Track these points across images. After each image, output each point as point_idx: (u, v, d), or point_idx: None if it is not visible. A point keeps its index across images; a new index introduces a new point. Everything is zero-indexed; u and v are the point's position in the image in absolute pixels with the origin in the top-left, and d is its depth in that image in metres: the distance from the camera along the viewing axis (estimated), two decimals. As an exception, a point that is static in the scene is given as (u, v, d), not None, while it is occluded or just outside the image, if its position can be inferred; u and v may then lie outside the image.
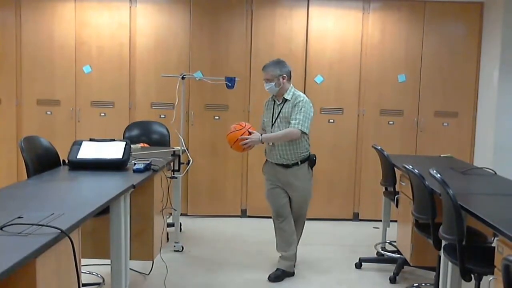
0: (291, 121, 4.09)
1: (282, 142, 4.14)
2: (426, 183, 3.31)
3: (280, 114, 4.17)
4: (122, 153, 3.64)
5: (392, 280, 4.18)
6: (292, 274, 4.29)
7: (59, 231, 2.03)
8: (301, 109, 4.08)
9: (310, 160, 4.26)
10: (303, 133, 4.08)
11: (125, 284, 3.16)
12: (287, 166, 4.20)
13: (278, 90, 4.15)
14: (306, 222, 4.48)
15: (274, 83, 4.12)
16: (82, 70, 5.98)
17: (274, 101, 4.25)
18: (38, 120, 6.03)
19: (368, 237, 5.44)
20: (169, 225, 4.64)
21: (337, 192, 6.12)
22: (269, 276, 4.22)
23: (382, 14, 5.97)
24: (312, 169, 4.30)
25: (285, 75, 4.14)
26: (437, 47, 5.99)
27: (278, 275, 4.22)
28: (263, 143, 4.18)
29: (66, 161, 3.66)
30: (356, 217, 6.14)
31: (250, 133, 4.14)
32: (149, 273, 4.08)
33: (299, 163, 4.19)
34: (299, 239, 4.45)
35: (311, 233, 5.51)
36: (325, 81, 5.99)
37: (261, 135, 4.17)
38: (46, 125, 6.01)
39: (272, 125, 4.21)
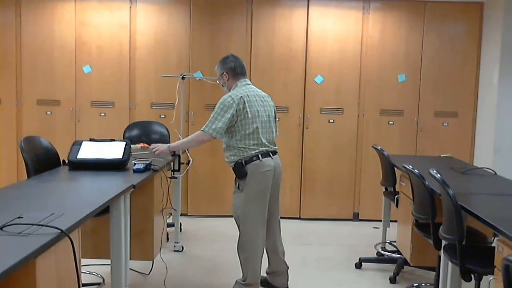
0: None
1: (191, 147, 3.77)
2: (426, 183, 3.31)
3: None
4: (122, 153, 3.64)
5: (392, 280, 4.18)
6: None
7: (59, 231, 2.03)
8: (214, 109, 3.57)
9: (234, 169, 3.60)
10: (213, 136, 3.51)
11: (125, 284, 3.16)
12: None
13: (227, 90, 3.71)
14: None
15: (221, 83, 3.75)
16: (82, 70, 5.98)
17: None
18: (38, 120, 6.03)
19: (368, 237, 5.44)
20: (169, 225, 4.64)
21: (337, 192, 6.11)
22: None
23: (382, 14, 5.97)
24: (242, 180, 3.55)
25: (225, 73, 3.68)
26: (437, 47, 5.99)
27: None
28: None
29: (66, 161, 3.66)
30: (356, 217, 6.13)
31: None
32: (149, 273, 4.09)
33: (233, 170, 3.66)
34: (246, 273, 3.64)
35: (311, 233, 5.53)
36: (325, 81, 5.99)
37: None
38: (46, 125, 6.01)
39: None
